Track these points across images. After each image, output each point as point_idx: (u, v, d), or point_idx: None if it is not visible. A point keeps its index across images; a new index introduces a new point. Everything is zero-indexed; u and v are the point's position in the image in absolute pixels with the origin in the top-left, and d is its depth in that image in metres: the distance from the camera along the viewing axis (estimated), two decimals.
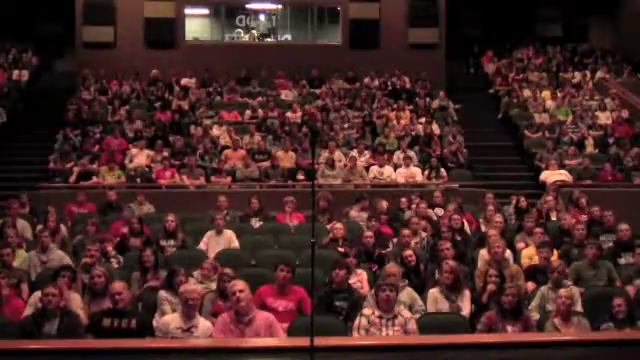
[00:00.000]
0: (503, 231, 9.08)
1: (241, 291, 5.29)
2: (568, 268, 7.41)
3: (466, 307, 6.46)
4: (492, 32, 22.02)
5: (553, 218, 10.60)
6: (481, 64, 20.61)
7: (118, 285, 5.81)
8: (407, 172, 13.24)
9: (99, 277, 6.36)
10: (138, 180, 12.93)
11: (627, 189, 13.11)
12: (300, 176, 13.09)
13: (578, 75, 19.30)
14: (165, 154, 13.63)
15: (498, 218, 9.71)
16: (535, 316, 6.34)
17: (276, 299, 6.22)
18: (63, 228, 9.53)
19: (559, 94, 17.59)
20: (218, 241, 8.82)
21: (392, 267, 6.59)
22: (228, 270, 6.40)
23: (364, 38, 18.81)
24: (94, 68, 17.72)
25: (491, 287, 6.48)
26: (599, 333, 5.77)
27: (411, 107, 16.56)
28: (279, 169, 13.25)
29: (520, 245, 8.79)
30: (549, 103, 17.16)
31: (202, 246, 8.79)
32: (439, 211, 10.82)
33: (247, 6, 20.33)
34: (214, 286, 6.51)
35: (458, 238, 8.76)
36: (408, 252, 7.40)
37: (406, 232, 8.36)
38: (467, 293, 6.58)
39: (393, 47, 18.78)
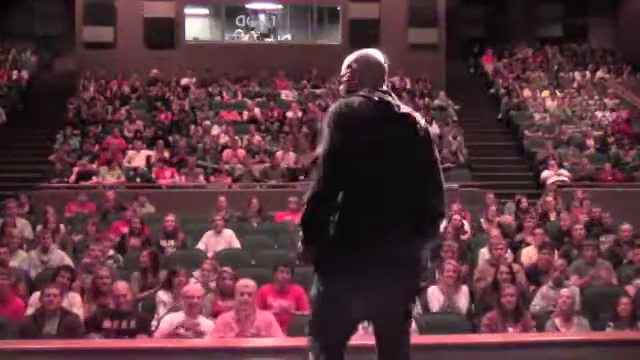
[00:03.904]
0: (509, 231, 9.10)
1: (249, 294, 5.30)
2: (568, 268, 7.41)
3: (464, 304, 6.50)
4: (492, 32, 22.02)
5: (553, 218, 10.60)
6: (481, 64, 20.61)
7: (122, 286, 5.80)
8: None
9: (106, 277, 6.35)
10: (138, 180, 12.93)
11: (627, 189, 13.11)
12: (301, 176, 13.08)
13: (578, 75, 19.31)
14: (165, 154, 13.63)
15: (506, 218, 9.70)
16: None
17: (276, 299, 6.23)
18: (63, 228, 9.53)
19: (559, 94, 17.59)
20: (218, 241, 8.82)
21: None
22: (227, 268, 6.40)
23: (364, 38, 18.71)
24: (94, 68, 17.73)
25: (504, 277, 6.44)
26: (599, 333, 5.77)
27: (411, 107, 16.52)
28: (279, 169, 13.24)
29: None
30: (549, 103, 17.16)
31: (201, 246, 8.78)
32: None
33: (247, 6, 20.33)
34: (213, 285, 6.51)
35: (464, 238, 8.79)
36: None
37: None
38: (465, 289, 6.61)
39: (393, 47, 18.70)
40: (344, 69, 3.10)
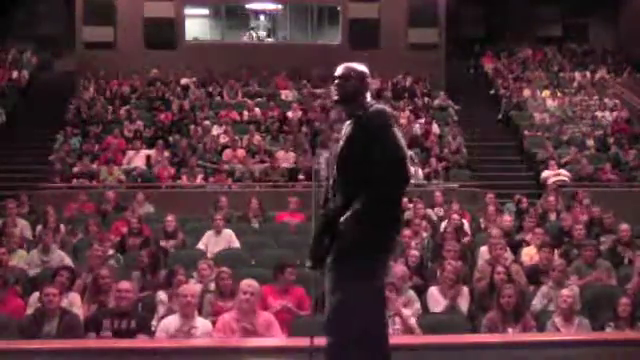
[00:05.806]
0: (510, 231, 9.09)
1: (252, 294, 5.30)
2: (569, 268, 7.40)
3: (464, 304, 6.49)
4: (492, 32, 22.03)
5: (553, 218, 10.59)
6: (481, 64, 20.61)
7: (125, 284, 5.80)
8: None
9: (107, 277, 6.35)
10: (138, 180, 12.93)
11: (627, 189, 13.11)
12: (300, 176, 13.08)
13: (578, 75, 19.31)
14: (165, 154, 13.63)
15: (507, 218, 9.70)
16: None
17: (277, 299, 6.22)
18: (63, 228, 9.53)
19: (559, 94, 17.59)
20: (217, 241, 8.81)
21: (400, 268, 6.60)
22: (225, 268, 6.41)
23: (364, 38, 18.78)
24: (94, 68, 17.73)
25: (501, 277, 6.43)
26: (599, 333, 5.76)
27: (411, 107, 16.55)
28: (279, 169, 13.24)
29: None
30: (549, 103, 17.16)
31: (201, 246, 8.77)
32: (439, 211, 10.81)
33: (247, 6, 20.33)
34: (213, 286, 6.50)
35: (464, 240, 8.78)
36: (413, 252, 7.39)
37: (407, 233, 8.36)
38: (465, 290, 6.60)
39: (393, 47, 18.76)
40: (344, 79, 3.53)
